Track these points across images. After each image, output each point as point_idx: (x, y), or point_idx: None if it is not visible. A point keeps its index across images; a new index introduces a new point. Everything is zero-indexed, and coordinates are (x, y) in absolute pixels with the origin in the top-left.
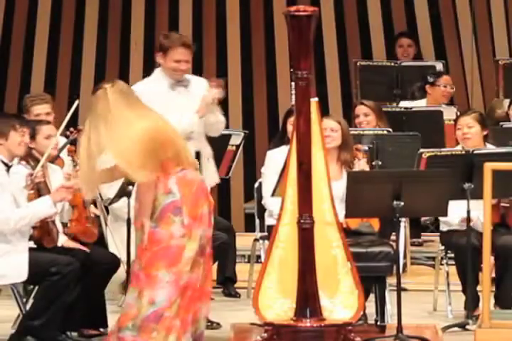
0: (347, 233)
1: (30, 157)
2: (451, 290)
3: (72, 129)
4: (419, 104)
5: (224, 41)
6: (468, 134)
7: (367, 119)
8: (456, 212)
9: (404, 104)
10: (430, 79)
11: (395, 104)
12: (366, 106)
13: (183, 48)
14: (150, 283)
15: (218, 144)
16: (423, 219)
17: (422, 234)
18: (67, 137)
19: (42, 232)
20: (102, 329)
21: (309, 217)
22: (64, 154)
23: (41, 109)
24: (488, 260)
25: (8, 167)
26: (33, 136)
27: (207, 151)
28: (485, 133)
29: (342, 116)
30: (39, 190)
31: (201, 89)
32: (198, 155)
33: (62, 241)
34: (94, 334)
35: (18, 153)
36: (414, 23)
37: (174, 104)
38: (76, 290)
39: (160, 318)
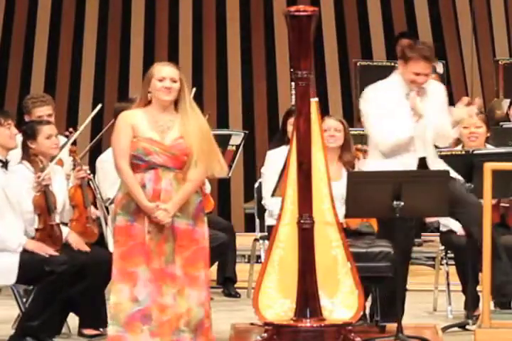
0: (347, 233)
1: (34, 157)
2: (451, 290)
3: (71, 129)
4: None
5: (224, 41)
6: (476, 134)
7: None
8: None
9: None
10: None
11: None
12: None
13: (424, 62)
14: (192, 283)
15: (218, 144)
16: (428, 220)
17: (422, 234)
18: (66, 137)
19: (44, 235)
20: (101, 329)
21: (309, 217)
22: (64, 154)
23: (43, 111)
24: (488, 260)
25: (3, 163)
26: (34, 137)
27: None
28: (488, 134)
29: (342, 117)
30: (45, 192)
31: (436, 96)
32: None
33: (67, 234)
34: (94, 334)
35: (12, 146)
36: (414, 23)
37: (405, 114)
38: (74, 289)
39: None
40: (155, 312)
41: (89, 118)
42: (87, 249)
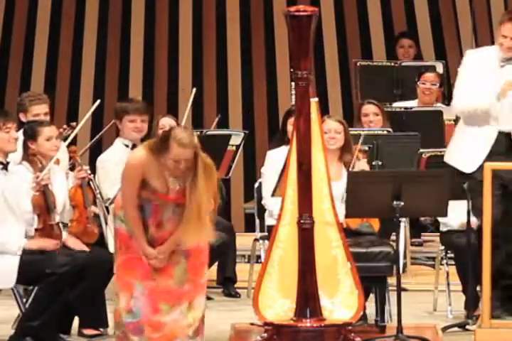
0: (347, 233)
1: (34, 157)
2: (451, 290)
3: (65, 126)
4: (412, 104)
5: (224, 41)
6: None
7: (377, 119)
8: (454, 218)
9: (398, 104)
10: (416, 79)
11: (387, 104)
12: (376, 106)
13: (510, 24)
14: (201, 291)
15: (218, 144)
16: (422, 218)
17: (422, 234)
18: (64, 130)
19: (43, 235)
20: (102, 329)
21: (309, 217)
22: (61, 153)
23: (40, 109)
24: (488, 260)
25: (3, 165)
26: (34, 137)
27: None
28: None
29: (342, 117)
30: (44, 191)
31: None
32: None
33: (65, 238)
34: (94, 334)
35: (11, 150)
36: (414, 23)
37: (492, 81)
38: (74, 290)
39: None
40: (146, 328)
41: (89, 114)
42: (86, 248)
